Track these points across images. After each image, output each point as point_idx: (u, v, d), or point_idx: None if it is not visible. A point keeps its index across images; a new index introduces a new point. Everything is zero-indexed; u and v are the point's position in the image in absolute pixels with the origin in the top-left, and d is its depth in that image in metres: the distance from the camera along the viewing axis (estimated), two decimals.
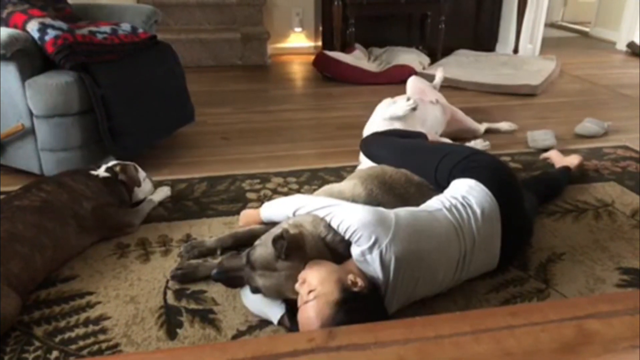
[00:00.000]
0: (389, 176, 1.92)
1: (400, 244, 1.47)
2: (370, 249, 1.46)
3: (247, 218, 2.04)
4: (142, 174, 2.28)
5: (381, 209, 1.59)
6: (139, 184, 2.22)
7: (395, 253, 1.45)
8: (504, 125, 3.22)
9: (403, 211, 1.61)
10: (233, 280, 1.58)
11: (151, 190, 2.30)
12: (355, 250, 1.50)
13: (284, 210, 1.77)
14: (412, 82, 3.12)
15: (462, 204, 1.67)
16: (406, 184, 1.90)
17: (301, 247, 1.51)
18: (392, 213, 1.56)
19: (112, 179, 2.13)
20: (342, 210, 1.57)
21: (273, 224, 1.78)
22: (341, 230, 1.54)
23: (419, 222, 1.58)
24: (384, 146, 2.19)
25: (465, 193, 1.71)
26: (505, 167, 1.95)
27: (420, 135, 2.36)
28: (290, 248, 1.48)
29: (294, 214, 1.71)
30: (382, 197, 1.82)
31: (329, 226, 1.59)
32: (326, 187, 1.92)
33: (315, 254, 1.53)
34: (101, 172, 2.14)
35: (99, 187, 2.05)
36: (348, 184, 1.88)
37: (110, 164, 2.21)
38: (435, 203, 1.71)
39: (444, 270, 1.59)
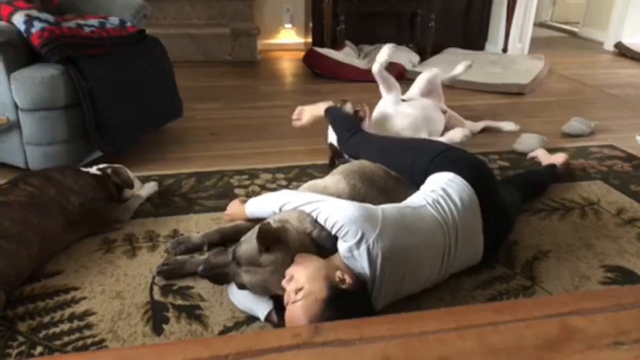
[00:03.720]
0: (369, 170, 1.94)
1: (387, 239, 1.47)
2: (358, 244, 1.46)
3: (233, 212, 2.01)
4: (131, 174, 2.25)
5: (368, 205, 1.59)
6: (131, 186, 2.18)
7: (382, 249, 1.46)
8: (506, 125, 3.13)
9: (389, 207, 1.62)
10: (219, 276, 1.58)
11: (139, 186, 2.28)
12: (342, 246, 1.50)
13: (270, 206, 1.76)
14: (427, 80, 2.90)
15: (443, 197, 1.69)
16: (386, 177, 1.93)
17: (282, 240, 1.51)
18: (379, 209, 1.57)
19: (103, 175, 2.11)
20: (329, 206, 1.57)
21: (259, 220, 1.77)
22: (328, 226, 1.54)
23: (405, 218, 1.59)
24: (362, 144, 2.21)
25: (444, 185, 1.73)
26: (480, 160, 1.99)
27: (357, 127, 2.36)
28: (268, 239, 1.48)
29: (280, 210, 1.71)
30: (365, 191, 1.83)
31: (315, 222, 1.59)
32: (311, 183, 1.92)
33: (301, 250, 1.53)
34: (92, 170, 2.12)
35: (88, 182, 2.02)
36: (332, 180, 1.89)
37: (102, 166, 2.18)
38: (418, 200, 1.72)
39: (430, 265, 1.60)
